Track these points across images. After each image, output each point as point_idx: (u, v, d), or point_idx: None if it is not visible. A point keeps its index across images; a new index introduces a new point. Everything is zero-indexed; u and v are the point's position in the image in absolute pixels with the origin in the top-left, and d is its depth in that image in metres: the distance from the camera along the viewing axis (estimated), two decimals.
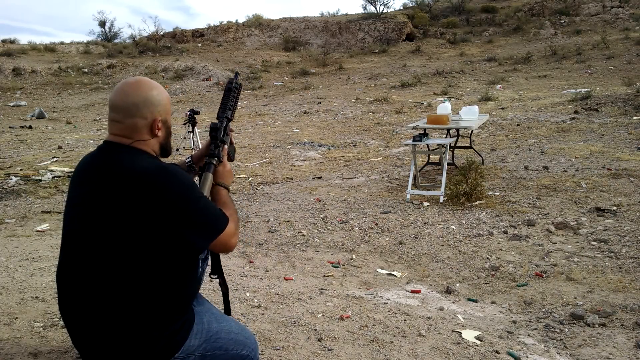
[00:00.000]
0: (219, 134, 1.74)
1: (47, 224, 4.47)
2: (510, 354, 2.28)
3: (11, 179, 6.33)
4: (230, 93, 1.85)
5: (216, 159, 1.71)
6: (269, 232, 4.25)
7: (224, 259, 3.51)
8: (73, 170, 1.61)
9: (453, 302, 2.94)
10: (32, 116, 14.71)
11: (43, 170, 6.85)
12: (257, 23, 26.65)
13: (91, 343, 1.44)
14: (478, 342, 2.40)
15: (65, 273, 1.49)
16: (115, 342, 1.41)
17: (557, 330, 2.57)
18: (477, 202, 4.77)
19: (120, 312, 1.41)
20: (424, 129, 5.72)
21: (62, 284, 1.50)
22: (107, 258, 1.41)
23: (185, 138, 7.31)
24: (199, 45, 25.13)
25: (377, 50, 22.87)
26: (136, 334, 1.41)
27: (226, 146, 1.80)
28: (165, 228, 1.39)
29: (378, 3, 26.26)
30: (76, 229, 1.47)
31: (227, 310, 1.84)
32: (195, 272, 1.58)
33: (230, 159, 1.82)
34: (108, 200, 1.41)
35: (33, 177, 6.48)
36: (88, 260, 1.43)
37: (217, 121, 1.78)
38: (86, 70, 21.10)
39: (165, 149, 1.60)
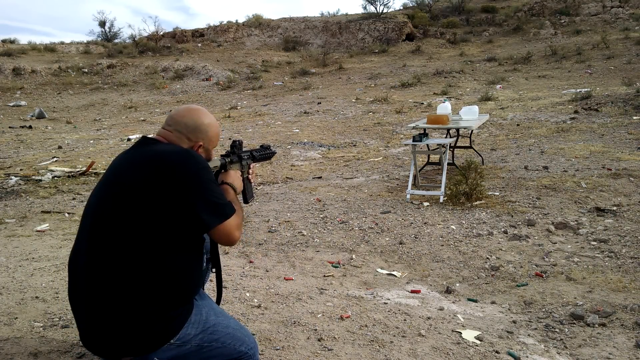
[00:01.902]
0: (236, 148, 1.89)
1: (47, 224, 4.47)
2: (510, 354, 2.28)
3: (11, 179, 6.33)
4: (265, 150, 2.09)
5: (228, 159, 1.83)
6: (269, 232, 4.25)
7: (224, 259, 3.51)
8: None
9: (453, 302, 2.94)
10: (32, 116, 14.71)
11: (43, 170, 6.84)
12: (257, 23, 26.65)
13: (90, 320, 1.47)
14: (478, 342, 2.40)
15: (76, 249, 1.55)
16: (114, 321, 1.44)
17: (557, 330, 2.57)
18: (477, 202, 4.77)
19: (124, 290, 1.44)
20: (424, 129, 5.71)
21: (72, 261, 1.55)
22: (117, 235, 1.45)
23: None
24: (199, 45, 25.12)
25: (377, 50, 22.86)
26: (135, 314, 1.44)
27: (256, 165, 1.99)
28: (179, 200, 1.46)
29: (378, 3, 26.30)
30: (93, 202, 1.56)
31: (219, 297, 1.86)
32: (201, 264, 1.63)
33: (246, 200, 1.94)
34: (127, 177, 1.50)
35: (33, 177, 6.48)
36: (99, 239, 1.48)
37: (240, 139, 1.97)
38: (86, 70, 21.09)
39: None
